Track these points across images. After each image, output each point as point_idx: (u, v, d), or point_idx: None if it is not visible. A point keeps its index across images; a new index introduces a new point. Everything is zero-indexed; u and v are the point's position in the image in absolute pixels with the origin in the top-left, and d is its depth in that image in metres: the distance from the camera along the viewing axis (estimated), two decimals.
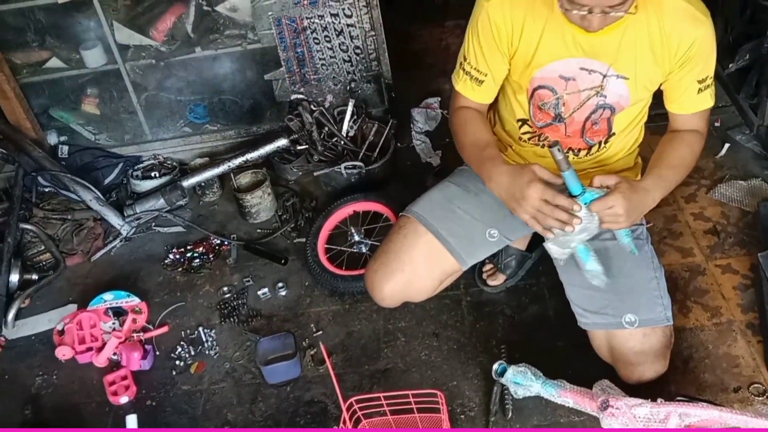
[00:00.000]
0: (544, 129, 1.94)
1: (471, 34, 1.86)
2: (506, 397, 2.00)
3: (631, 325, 1.81)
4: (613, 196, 1.65)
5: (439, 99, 3.24)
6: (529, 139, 1.99)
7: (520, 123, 1.98)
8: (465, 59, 1.90)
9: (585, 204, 1.65)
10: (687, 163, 1.83)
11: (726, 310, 2.17)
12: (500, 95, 2.02)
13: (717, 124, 2.84)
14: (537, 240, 2.30)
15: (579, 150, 1.95)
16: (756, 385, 1.96)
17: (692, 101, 1.82)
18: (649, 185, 1.75)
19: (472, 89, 1.92)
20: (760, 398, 1.93)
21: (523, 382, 1.84)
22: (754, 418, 1.60)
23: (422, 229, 2.01)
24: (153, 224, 2.94)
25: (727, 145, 2.72)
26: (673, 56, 1.74)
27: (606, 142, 1.93)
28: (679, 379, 2.00)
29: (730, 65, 2.68)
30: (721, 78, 2.74)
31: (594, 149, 1.95)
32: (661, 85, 1.83)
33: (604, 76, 1.78)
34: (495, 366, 1.90)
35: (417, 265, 1.99)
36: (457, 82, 1.95)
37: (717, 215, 2.48)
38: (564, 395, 1.80)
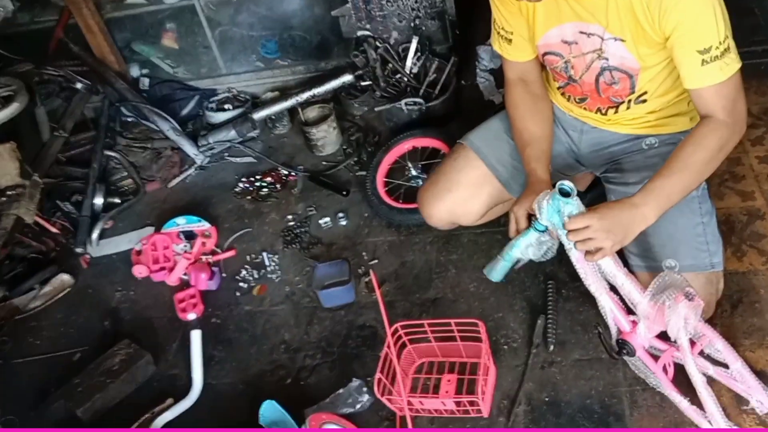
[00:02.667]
0: (565, 89, 1.97)
1: None
2: (549, 331, 2.06)
3: (671, 270, 1.80)
4: (588, 215, 1.62)
5: None
6: (561, 94, 2.03)
7: (556, 85, 2.02)
8: (494, 20, 1.95)
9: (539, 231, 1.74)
10: (695, 163, 1.64)
11: None
12: None
13: None
14: (596, 181, 2.30)
15: (607, 109, 1.93)
16: None
17: (695, 75, 1.62)
18: (638, 199, 1.64)
19: (504, 47, 1.97)
20: None
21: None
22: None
23: (473, 155, 2.11)
24: (225, 154, 3.09)
25: None
26: (664, 18, 1.58)
27: (638, 101, 1.87)
28: (726, 321, 1.99)
29: None
30: None
31: (623, 107, 1.90)
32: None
33: (603, 39, 1.73)
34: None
35: (465, 188, 2.10)
36: (493, 41, 2.00)
37: None
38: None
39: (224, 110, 3.19)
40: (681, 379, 1.73)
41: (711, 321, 1.90)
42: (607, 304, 1.75)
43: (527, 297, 2.21)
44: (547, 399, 1.94)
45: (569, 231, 1.64)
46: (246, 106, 3.19)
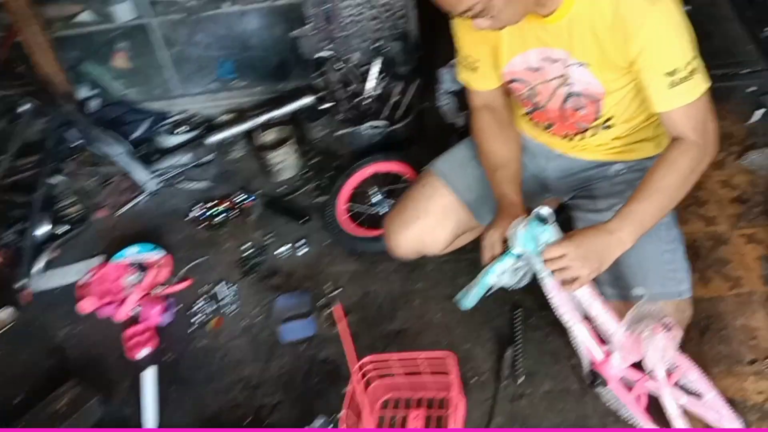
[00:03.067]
0: (531, 115, 1.93)
1: (453, 26, 1.86)
2: (517, 362, 2.00)
3: (641, 298, 1.77)
4: (564, 243, 1.59)
5: None
6: (528, 120, 1.99)
7: (523, 111, 1.98)
8: (458, 49, 1.91)
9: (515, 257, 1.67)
10: (668, 186, 1.63)
11: (747, 281, 2.12)
12: None
13: (751, 90, 2.74)
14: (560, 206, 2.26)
15: (573, 134, 1.90)
16: None
17: (663, 98, 1.61)
18: (614, 225, 1.61)
19: (469, 77, 1.92)
20: None
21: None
22: None
23: (441, 183, 2.06)
24: (179, 179, 2.98)
25: (761, 111, 2.62)
26: (629, 42, 1.57)
27: (604, 127, 1.85)
28: (694, 349, 1.96)
29: (765, 29, 2.57)
30: (757, 41, 2.63)
31: (589, 133, 1.88)
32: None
33: (567, 65, 1.71)
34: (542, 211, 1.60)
35: (433, 216, 2.04)
36: (458, 71, 1.96)
37: (745, 183, 2.41)
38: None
39: (178, 134, 3.08)
40: (652, 408, 1.69)
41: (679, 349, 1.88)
42: (581, 334, 1.71)
43: (494, 327, 2.15)
44: None
45: (546, 259, 1.59)
46: (201, 129, 3.09)
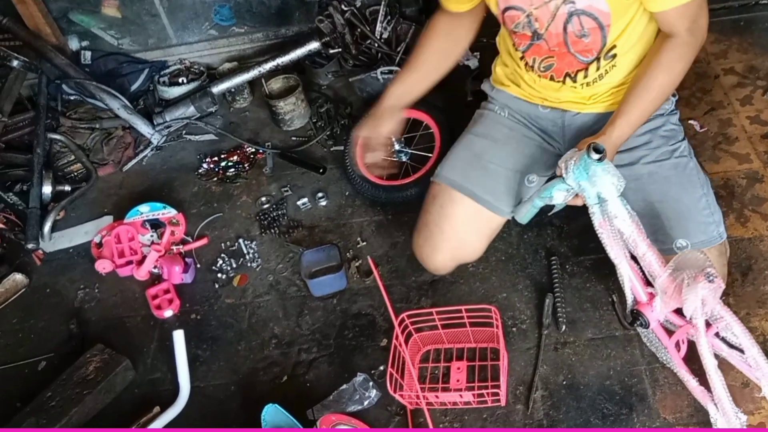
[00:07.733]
0: (527, 53, 1.83)
1: None
2: (558, 310, 1.97)
3: (683, 250, 1.73)
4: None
5: None
6: (525, 64, 1.88)
7: (519, 54, 1.87)
8: None
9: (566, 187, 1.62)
10: (661, 87, 1.67)
11: None
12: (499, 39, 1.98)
13: None
14: None
15: (576, 72, 1.80)
16: None
17: None
18: (615, 133, 1.66)
19: None
20: None
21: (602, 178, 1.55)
22: None
23: (457, 195, 1.93)
24: (184, 132, 2.86)
25: None
26: None
27: (607, 57, 1.76)
28: (738, 291, 1.94)
29: None
30: None
31: (593, 68, 1.78)
32: None
33: None
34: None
35: (461, 232, 1.94)
36: None
37: None
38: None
39: (178, 84, 2.95)
40: (692, 356, 1.65)
41: (723, 292, 1.84)
42: (626, 273, 1.67)
43: (530, 275, 2.10)
44: (564, 382, 1.85)
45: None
46: (202, 78, 2.95)
